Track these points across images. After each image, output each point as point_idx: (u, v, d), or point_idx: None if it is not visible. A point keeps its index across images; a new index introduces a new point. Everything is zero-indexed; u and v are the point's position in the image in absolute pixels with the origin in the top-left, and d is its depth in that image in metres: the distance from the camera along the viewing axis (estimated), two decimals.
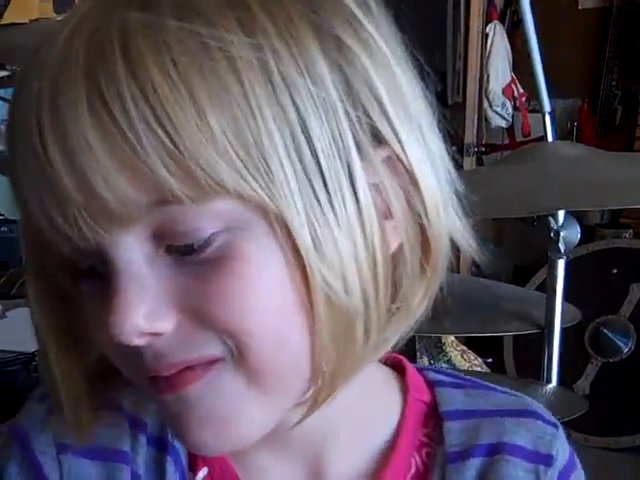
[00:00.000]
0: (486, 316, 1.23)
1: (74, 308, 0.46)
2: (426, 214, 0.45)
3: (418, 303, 0.47)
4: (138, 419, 0.52)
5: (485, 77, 3.12)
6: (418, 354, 1.48)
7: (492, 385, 0.56)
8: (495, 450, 0.51)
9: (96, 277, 0.43)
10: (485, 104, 3.12)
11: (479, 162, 3.10)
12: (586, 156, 1.18)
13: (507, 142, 3.28)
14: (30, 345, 1.88)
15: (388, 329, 0.46)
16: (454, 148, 0.50)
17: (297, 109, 0.40)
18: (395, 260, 0.45)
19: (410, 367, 0.56)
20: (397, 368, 0.56)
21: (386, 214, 0.44)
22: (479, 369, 1.57)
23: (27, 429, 0.51)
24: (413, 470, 0.52)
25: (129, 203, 0.39)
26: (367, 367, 0.48)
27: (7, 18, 1.52)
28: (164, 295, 0.41)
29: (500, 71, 3.12)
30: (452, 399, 0.54)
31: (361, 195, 0.42)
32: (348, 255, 0.42)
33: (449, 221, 0.46)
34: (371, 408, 0.53)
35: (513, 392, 0.56)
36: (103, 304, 0.42)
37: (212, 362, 0.43)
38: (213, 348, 0.42)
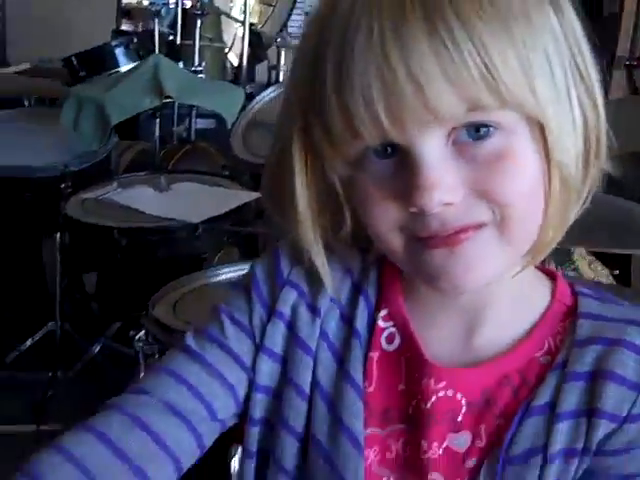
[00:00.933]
0: (618, 233, 1.32)
1: (331, 194, 0.64)
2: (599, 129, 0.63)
3: (591, 188, 0.64)
4: (350, 270, 0.70)
5: None
6: (546, 261, 1.59)
7: (623, 302, 0.69)
8: (615, 343, 0.64)
9: (384, 162, 0.60)
10: None
11: (630, 76, 3.06)
12: None
13: None
14: (191, 215, 2.11)
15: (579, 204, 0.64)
16: (604, 61, 0.65)
17: (551, 55, 0.59)
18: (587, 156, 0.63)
19: (561, 278, 0.70)
20: (551, 277, 0.70)
21: (586, 120, 0.61)
22: (604, 280, 1.65)
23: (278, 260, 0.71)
24: (546, 347, 0.66)
25: (450, 107, 0.56)
26: (530, 267, 0.65)
27: None
28: (455, 177, 0.58)
29: None
30: (588, 305, 0.67)
31: (577, 109, 0.60)
32: (574, 150, 0.60)
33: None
34: (525, 297, 0.68)
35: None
36: (401, 183, 0.59)
37: (480, 226, 0.59)
38: (483, 215, 0.59)
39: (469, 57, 0.55)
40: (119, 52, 3.14)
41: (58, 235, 2.31)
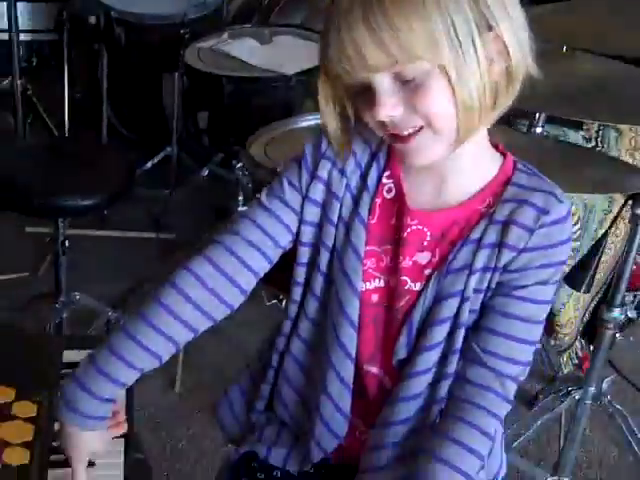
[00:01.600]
0: None
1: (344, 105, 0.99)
2: (511, 63, 0.94)
3: (503, 105, 0.97)
4: (370, 145, 1.05)
5: None
6: None
7: (544, 177, 1.03)
8: (524, 202, 0.99)
9: (362, 92, 0.94)
10: None
11: None
12: None
13: None
14: (287, 67, 2.44)
15: (490, 117, 0.97)
16: None
17: (451, 12, 0.89)
18: (496, 86, 0.94)
19: (509, 156, 1.04)
20: (502, 154, 1.04)
21: (492, 62, 0.92)
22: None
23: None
24: (486, 203, 1.01)
25: (380, 62, 0.89)
26: (482, 143, 1.01)
27: None
28: (396, 101, 0.92)
29: None
30: (519, 178, 1.01)
31: (480, 53, 0.90)
32: (474, 83, 0.91)
33: (525, 64, 0.95)
34: (479, 168, 1.02)
35: (553, 186, 1.01)
36: (372, 103, 0.93)
37: (420, 128, 0.94)
38: (418, 122, 0.93)
39: (385, 30, 0.87)
40: None
41: (177, 76, 2.69)
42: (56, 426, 1.11)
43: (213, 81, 2.45)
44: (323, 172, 1.05)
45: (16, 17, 2.97)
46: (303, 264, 1.08)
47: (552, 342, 2.28)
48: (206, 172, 3.03)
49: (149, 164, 3.13)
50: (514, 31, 0.93)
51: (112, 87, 3.08)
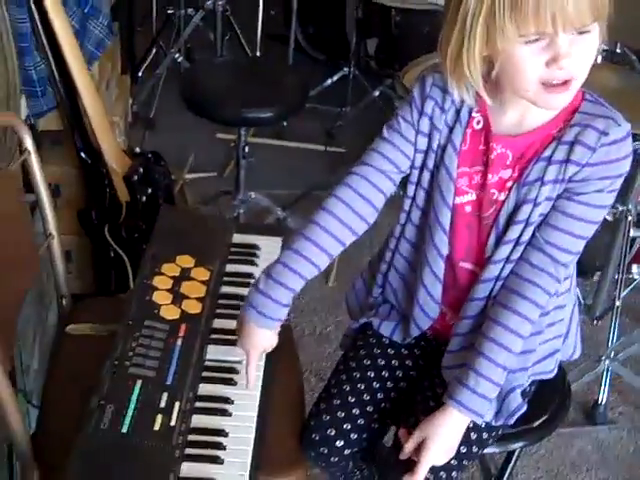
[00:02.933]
0: None
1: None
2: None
3: None
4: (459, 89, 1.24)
5: None
6: None
7: (609, 105, 1.21)
8: (588, 126, 1.16)
9: (535, 45, 1.10)
10: None
11: None
12: None
13: None
14: None
15: None
16: None
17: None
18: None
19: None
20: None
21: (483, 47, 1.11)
22: None
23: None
24: (557, 128, 1.20)
25: (583, 17, 1.07)
26: None
27: None
28: (573, 51, 1.10)
29: None
30: (585, 106, 1.20)
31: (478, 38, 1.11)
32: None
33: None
34: None
35: (615, 113, 1.19)
36: (548, 55, 1.09)
37: (569, 81, 1.12)
38: (574, 74, 1.13)
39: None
40: None
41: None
42: (234, 324, 1.37)
43: (384, 11, 2.68)
44: (428, 109, 1.28)
45: None
46: (412, 183, 1.33)
47: None
48: (377, 93, 3.30)
49: (328, 82, 3.42)
50: None
51: (302, 8, 3.40)
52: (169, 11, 3.61)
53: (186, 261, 1.59)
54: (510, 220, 1.25)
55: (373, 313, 1.47)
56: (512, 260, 1.27)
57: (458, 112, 1.27)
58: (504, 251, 1.27)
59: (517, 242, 1.26)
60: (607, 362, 2.22)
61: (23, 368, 1.70)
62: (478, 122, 1.27)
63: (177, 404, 1.29)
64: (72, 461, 1.18)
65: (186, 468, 1.22)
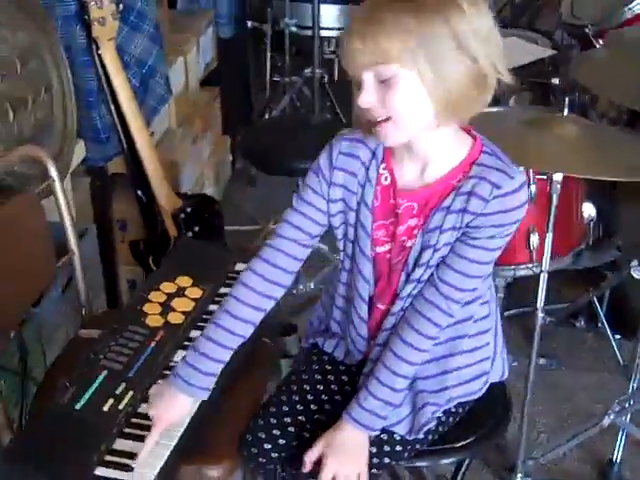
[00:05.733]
0: None
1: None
2: (485, 77, 1.22)
3: (483, 105, 1.27)
4: (372, 149, 1.37)
5: None
6: None
7: (505, 158, 1.32)
8: (483, 179, 1.27)
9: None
10: None
11: None
12: None
13: None
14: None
15: (462, 117, 1.29)
16: None
17: (428, 31, 1.18)
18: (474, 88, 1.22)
19: (479, 139, 1.33)
20: (473, 137, 1.33)
21: (464, 75, 1.20)
22: None
23: None
24: (457, 178, 1.30)
25: (362, 62, 1.20)
26: (454, 133, 1.31)
27: None
28: (374, 94, 1.23)
29: None
30: (483, 158, 1.30)
31: (452, 67, 1.19)
32: (451, 85, 1.20)
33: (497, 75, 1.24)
34: (453, 150, 1.30)
35: (508, 166, 1.30)
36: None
37: (387, 119, 1.24)
38: (386, 114, 1.24)
39: (370, 43, 1.18)
40: None
41: None
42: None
43: None
44: (338, 179, 1.39)
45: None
46: (340, 237, 1.45)
47: None
48: None
49: None
50: (487, 52, 1.21)
51: None
52: (275, 79, 3.96)
53: (184, 281, 1.82)
54: (416, 263, 1.38)
55: (320, 334, 1.63)
56: (413, 295, 1.40)
57: (367, 171, 1.38)
58: (409, 289, 1.40)
59: (419, 281, 1.38)
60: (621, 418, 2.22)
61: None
62: (386, 178, 1.38)
63: (130, 392, 1.50)
64: (29, 424, 1.43)
65: (120, 443, 1.43)
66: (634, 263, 2.27)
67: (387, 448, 1.46)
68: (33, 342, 1.94)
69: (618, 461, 2.23)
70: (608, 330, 2.67)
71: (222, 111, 3.52)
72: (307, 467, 1.42)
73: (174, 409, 1.42)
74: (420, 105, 1.24)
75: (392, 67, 1.20)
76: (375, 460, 1.44)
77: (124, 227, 2.54)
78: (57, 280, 1.98)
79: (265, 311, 1.46)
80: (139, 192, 2.36)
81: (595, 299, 2.67)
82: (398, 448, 1.47)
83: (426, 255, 1.36)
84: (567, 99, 1.84)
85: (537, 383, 2.50)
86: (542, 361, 2.64)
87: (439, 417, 1.49)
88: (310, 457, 1.41)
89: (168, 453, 1.42)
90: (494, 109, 2.15)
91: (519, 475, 2.16)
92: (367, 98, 1.25)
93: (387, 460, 1.46)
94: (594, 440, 2.31)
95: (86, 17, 2.11)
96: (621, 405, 2.15)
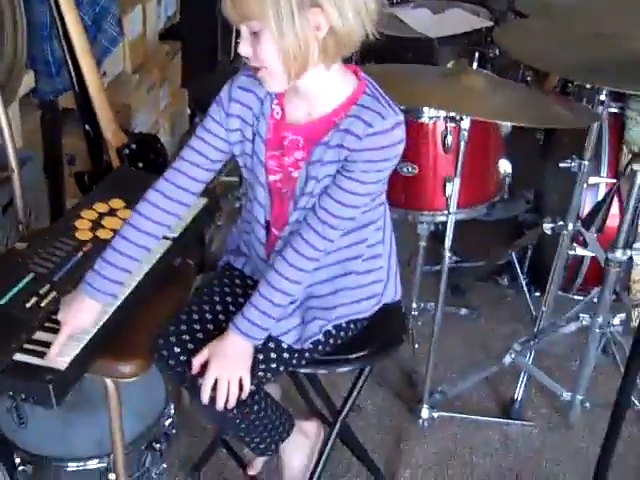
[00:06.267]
0: None
1: None
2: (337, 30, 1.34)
3: (336, 55, 1.39)
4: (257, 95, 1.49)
5: None
6: None
7: (384, 101, 1.43)
8: (358, 118, 1.39)
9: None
10: None
11: None
12: None
13: None
14: (434, 32, 2.88)
15: (327, 60, 1.39)
16: None
17: None
18: (324, 43, 1.35)
19: (363, 79, 1.44)
20: (357, 77, 1.44)
21: (316, 28, 1.32)
22: None
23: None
24: (339, 116, 1.41)
25: (234, 16, 1.34)
26: (334, 74, 1.42)
27: None
28: (249, 44, 1.35)
29: None
30: (364, 99, 1.41)
31: (299, 22, 1.30)
32: (290, 42, 1.32)
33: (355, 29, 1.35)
34: (337, 89, 1.42)
35: (384, 108, 1.41)
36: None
37: (262, 68, 1.37)
38: (260, 64, 1.37)
39: (237, 1, 1.31)
40: None
41: None
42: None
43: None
44: (235, 110, 1.51)
45: None
46: (242, 167, 1.57)
47: (627, 295, 2.56)
48: None
49: None
50: (338, 8, 1.32)
51: None
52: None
53: (117, 204, 1.95)
54: (302, 192, 1.50)
55: (232, 252, 1.78)
56: (301, 222, 1.53)
57: (262, 106, 1.50)
58: (296, 215, 1.53)
59: (305, 208, 1.52)
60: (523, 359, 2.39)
61: None
62: (277, 113, 1.50)
63: (54, 293, 1.64)
64: None
65: (39, 335, 1.56)
66: (546, 219, 2.45)
67: (273, 355, 1.60)
68: None
69: (519, 399, 2.40)
70: (524, 285, 2.84)
71: (183, 65, 3.62)
72: (195, 369, 1.56)
73: (81, 312, 1.54)
74: (281, 58, 1.36)
75: (256, 23, 1.33)
76: (262, 366, 1.59)
77: (72, 161, 2.66)
78: None
79: (168, 227, 1.59)
80: (87, 126, 2.47)
81: (514, 258, 2.85)
82: (285, 355, 1.61)
83: (310, 185, 1.48)
84: (477, 54, 1.98)
85: (456, 331, 2.71)
86: (463, 311, 2.82)
87: (329, 331, 1.63)
88: (197, 360, 1.55)
89: (82, 346, 1.55)
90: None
91: (425, 406, 2.33)
92: (244, 48, 1.38)
93: (274, 365, 1.61)
94: (502, 382, 2.49)
95: None
96: (523, 346, 2.33)
